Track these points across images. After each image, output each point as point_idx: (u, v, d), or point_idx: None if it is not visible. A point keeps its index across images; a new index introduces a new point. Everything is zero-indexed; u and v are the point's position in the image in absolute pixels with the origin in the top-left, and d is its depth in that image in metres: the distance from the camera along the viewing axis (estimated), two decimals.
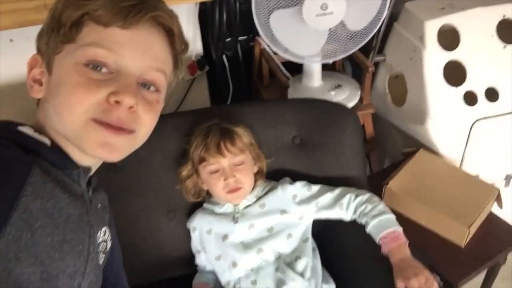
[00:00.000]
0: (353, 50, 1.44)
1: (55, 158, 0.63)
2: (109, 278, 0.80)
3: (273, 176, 1.15)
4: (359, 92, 1.61)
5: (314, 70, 1.58)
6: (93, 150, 0.62)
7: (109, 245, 0.78)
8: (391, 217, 1.04)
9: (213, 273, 1.13)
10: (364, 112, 1.59)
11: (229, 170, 1.02)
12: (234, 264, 1.05)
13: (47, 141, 0.63)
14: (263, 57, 1.72)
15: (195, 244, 1.14)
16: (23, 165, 0.57)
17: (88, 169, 0.68)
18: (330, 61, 1.49)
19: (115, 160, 0.64)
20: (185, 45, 0.71)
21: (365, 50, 1.58)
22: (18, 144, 0.59)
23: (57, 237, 0.59)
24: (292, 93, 1.56)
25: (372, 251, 1.04)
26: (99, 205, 0.73)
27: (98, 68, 0.61)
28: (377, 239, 1.02)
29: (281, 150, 1.17)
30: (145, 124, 0.65)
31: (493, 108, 1.44)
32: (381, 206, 1.06)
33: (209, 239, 1.09)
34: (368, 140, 1.68)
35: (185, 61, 0.75)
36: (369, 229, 1.04)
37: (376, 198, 1.08)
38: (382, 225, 1.02)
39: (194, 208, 1.15)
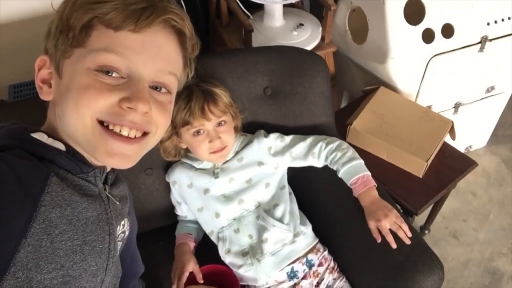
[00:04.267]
0: None
1: (70, 164, 0.62)
2: (125, 258, 0.82)
3: (248, 128, 1.17)
4: (320, 30, 1.61)
5: (276, 10, 1.55)
6: (104, 159, 0.62)
7: (127, 233, 0.79)
8: (360, 162, 1.11)
9: (194, 222, 1.18)
10: (326, 51, 1.60)
11: (213, 132, 1.02)
12: (217, 215, 1.10)
13: (61, 146, 0.62)
14: None
15: (175, 197, 1.17)
16: (40, 175, 0.56)
17: (103, 167, 0.68)
18: (293, 1, 1.46)
19: (127, 167, 0.63)
20: (196, 45, 0.70)
21: None
22: (32, 153, 0.58)
23: (77, 240, 0.60)
24: (254, 34, 1.53)
25: (342, 191, 1.13)
26: (118, 200, 0.73)
27: (109, 73, 0.59)
28: (348, 184, 1.10)
29: (254, 101, 1.18)
30: (159, 125, 0.65)
31: (448, 44, 1.50)
32: (350, 152, 1.12)
33: (190, 192, 1.12)
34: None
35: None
36: (340, 175, 1.11)
37: (345, 145, 1.14)
38: (351, 171, 1.10)
39: (171, 163, 1.16)
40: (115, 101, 0.59)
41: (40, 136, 0.62)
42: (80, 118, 0.59)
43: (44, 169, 0.57)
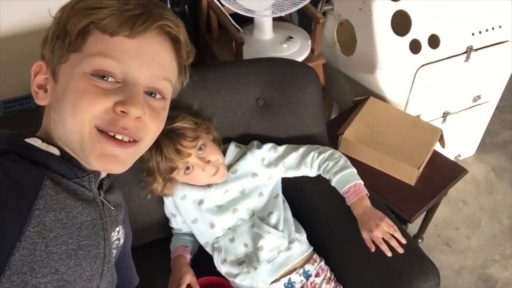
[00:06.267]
0: (304, 3, 1.44)
1: (64, 169, 0.62)
2: (120, 267, 0.81)
3: (241, 139, 1.18)
4: (309, 42, 1.64)
5: (266, 23, 1.57)
6: (97, 162, 0.62)
7: (121, 241, 0.79)
8: (352, 171, 1.12)
9: (189, 235, 1.17)
10: (316, 63, 1.62)
11: (200, 161, 1.03)
12: (212, 225, 1.10)
13: (55, 151, 0.63)
14: (211, 9, 1.68)
15: (169, 209, 1.17)
16: (34, 179, 0.56)
17: (98, 172, 0.68)
18: (282, 14, 1.48)
19: (120, 172, 0.64)
20: (191, 52, 0.70)
21: None
22: (27, 157, 0.59)
23: (71, 245, 0.60)
24: (245, 48, 1.55)
25: (336, 201, 1.13)
26: (112, 206, 0.73)
27: (105, 77, 0.60)
28: (340, 193, 1.11)
29: (247, 112, 1.19)
30: (151, 131, 0.65)
31: (434, 54, 1.53)
32: (342, 161, 1.13)
33: (184, 204, 1.12)
34: None
35: None
36: (333, 184, 1.12)
37: (337, 154, 1.15)
38: (344, 180, 1.10)
39: None
40: (110, 105, 0.60)
41: (35, 141, 0.62)
42: (77, 122, 0.59)
43: (39, 173, 0.58)
